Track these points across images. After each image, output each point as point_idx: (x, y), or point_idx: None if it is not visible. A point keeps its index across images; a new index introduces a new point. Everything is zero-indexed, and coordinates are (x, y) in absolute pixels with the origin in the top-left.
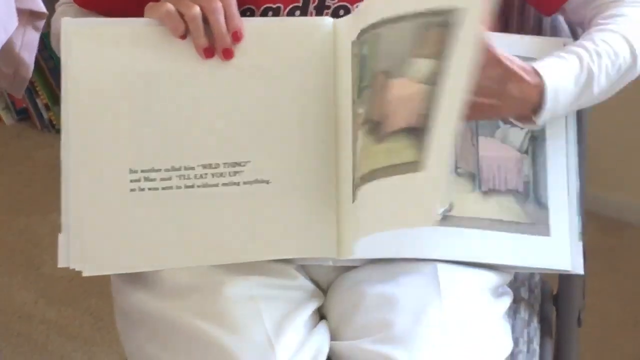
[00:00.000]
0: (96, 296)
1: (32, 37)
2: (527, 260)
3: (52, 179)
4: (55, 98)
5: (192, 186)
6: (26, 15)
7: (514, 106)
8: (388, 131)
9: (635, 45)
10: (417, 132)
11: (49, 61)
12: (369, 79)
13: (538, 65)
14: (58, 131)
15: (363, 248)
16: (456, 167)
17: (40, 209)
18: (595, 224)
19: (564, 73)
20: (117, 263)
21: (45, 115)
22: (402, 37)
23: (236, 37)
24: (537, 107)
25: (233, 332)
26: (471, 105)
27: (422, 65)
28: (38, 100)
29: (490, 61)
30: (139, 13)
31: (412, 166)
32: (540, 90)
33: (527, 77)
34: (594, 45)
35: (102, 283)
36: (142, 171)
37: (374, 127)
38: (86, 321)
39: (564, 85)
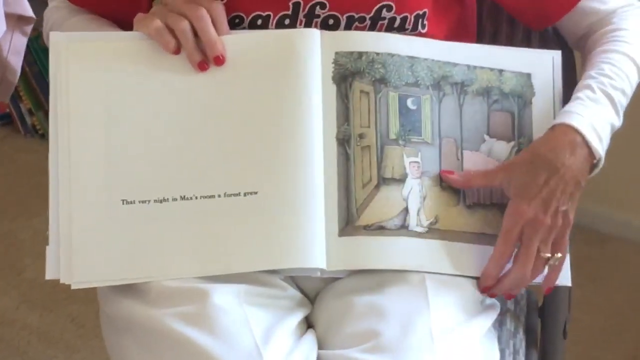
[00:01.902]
0: (78, 302)
1: (20, 42)
2: None
3: (35, 184)
4: (38, 103)
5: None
6: (14, 20)
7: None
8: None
9: (637, 61)
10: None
11: (33, 66)
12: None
13: (567, 118)
14: (41, 136)
15: (350, 260)
16: (441, 181)
17: (23, 213)
18: (578, 236)
19: (594, 113)
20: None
21: (28, 120)
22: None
23: (219, 61)
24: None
25: (221, 339)
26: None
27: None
28: (21, 105)
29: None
30: (131, 12)
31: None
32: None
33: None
34: (605, 78)
35: (84, 290)
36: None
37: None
38: (68, 327)
39: (598, 120)
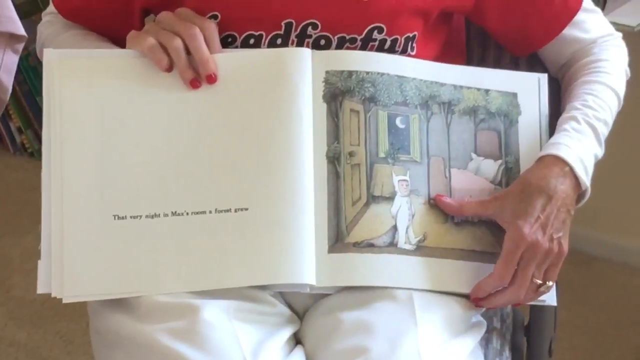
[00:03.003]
0: (67, 319)
1: (11, 60)
2: None
3: (24, 202)
4: (28, 122)
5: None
6: (6, 38)
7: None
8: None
9: (619, 94)
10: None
11: (22, 85)
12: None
13: (555, 149)
14: (30, 154)
15: (340, 276)
16: (429, 199)
17: (12, 231)
18: (565, 257)
19: (577, 143)
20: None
21: (17, 138)
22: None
23: (211, 79)
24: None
25: (210, 355)
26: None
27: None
28: (11, 124)
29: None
30: (123, 29)
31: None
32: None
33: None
34: (588, 109)
35: (73, 306)
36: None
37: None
38: (56, 344)
39: (584, 152)
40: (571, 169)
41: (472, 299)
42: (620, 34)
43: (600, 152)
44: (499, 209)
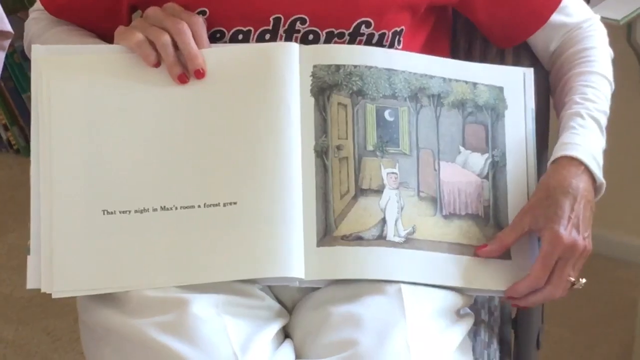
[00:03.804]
0: (54, 316)
1: None
2: (487, 284)
3: (10, 199)
4: (13, 118)
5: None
6: None
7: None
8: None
9: (611, 79)
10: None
11: (8, 81)
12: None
13: (568, 150)
14: (16, 151)
15: (328, 270)
16: (419, 191)
17: None
18: None
19: (588, 139)
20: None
21: (3, 135)
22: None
23: (199, 74)
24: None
25: (199, 348)
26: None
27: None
28: None
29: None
30: (111, 24)
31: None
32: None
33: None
34: (589, 103)
35: (60, 303)
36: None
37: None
38: (44, 341)
39: (594, 147)
40: (586, 167)
41: (507, 298)
42: (598, 16)
43: (604, 143)
44: (533, 220)
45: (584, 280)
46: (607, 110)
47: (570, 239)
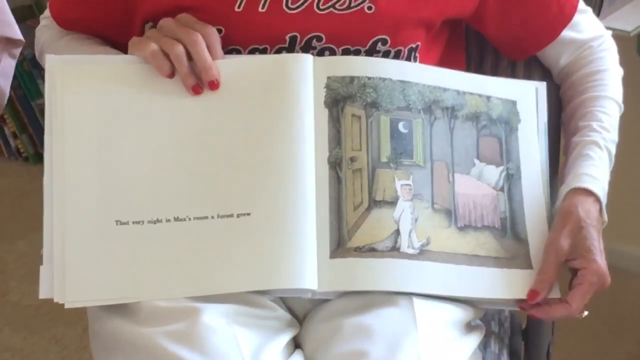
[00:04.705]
0: (62, 324)
1: (9, 65)
2: (505, 293)
3: (19, 207)
4: (22, 126)
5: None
6: (2, 43)
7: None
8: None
9: (621, 103)
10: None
11: (17, 89)
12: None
13: (587, 182)
14: (25, 159)
15: (341, 281)
16: (433, 203)
17: (7, 236)
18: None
19: (599, 171)
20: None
21: (12, 143)
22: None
23: (213, 85)
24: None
25: (210, 358)
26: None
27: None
28: (5, 128)
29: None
30: (123, 36)
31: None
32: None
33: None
34: (606, 132)
35: (69, 311)
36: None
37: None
38: (52, 349)
39: (603, 179)
40: (598, 200)
41: (522, 307)
42: (609, 32)
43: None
44: (570, 251)
45: (586, 313)
46: (616, 139)
47: (606, 270)
